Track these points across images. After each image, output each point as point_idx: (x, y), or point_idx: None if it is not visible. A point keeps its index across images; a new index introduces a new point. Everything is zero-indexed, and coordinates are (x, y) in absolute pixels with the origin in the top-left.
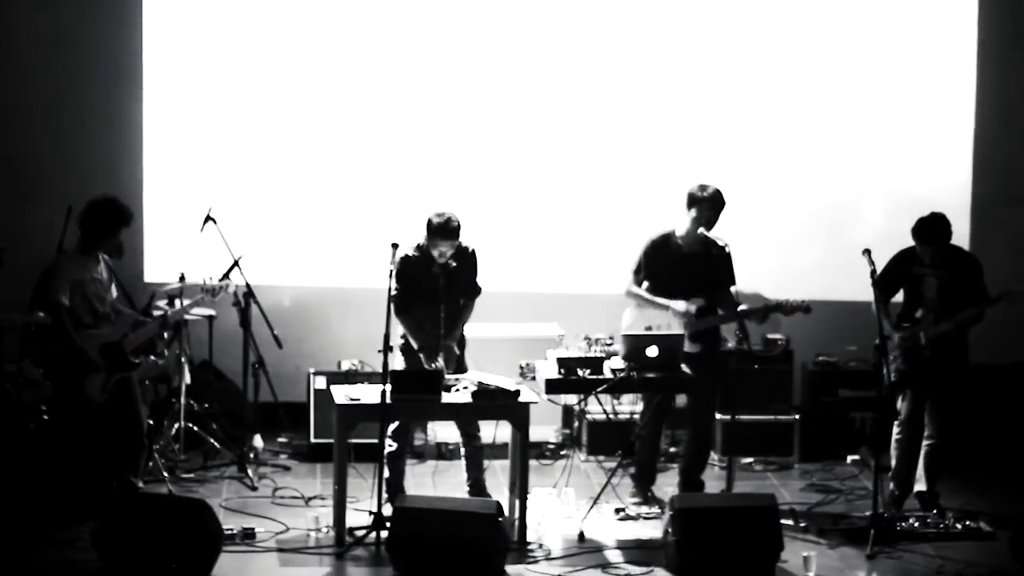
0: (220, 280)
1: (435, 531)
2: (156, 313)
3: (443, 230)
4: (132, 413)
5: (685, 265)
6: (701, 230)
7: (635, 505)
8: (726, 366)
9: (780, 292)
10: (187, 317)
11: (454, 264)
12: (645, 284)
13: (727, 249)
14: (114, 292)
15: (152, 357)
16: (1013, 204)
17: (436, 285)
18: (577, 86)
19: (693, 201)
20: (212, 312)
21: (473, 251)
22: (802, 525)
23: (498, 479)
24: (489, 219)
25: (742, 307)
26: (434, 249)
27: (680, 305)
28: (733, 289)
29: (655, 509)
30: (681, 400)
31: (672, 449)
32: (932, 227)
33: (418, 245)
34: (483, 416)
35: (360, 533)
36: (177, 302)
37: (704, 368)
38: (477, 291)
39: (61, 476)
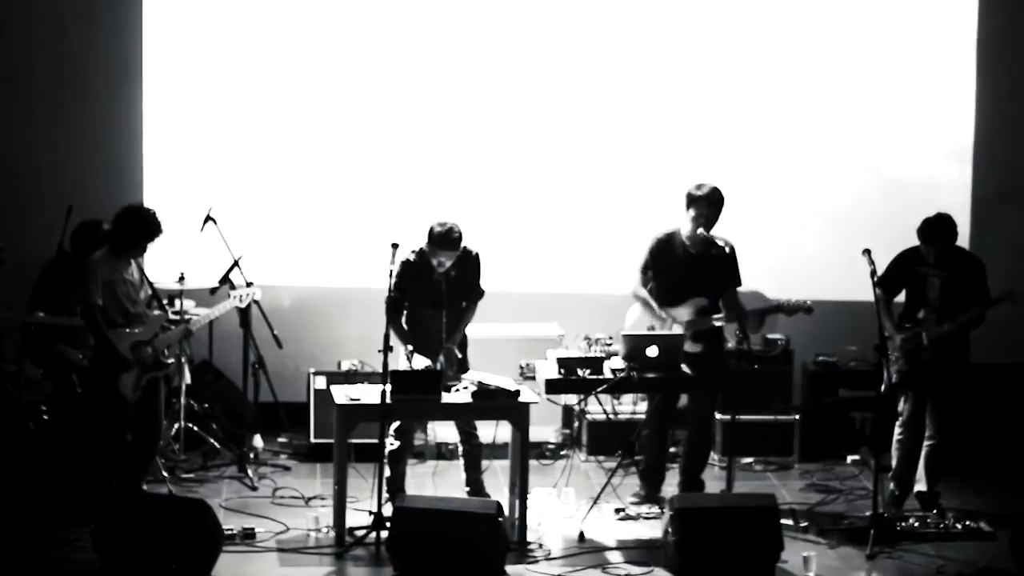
0: (220, 281)
1: (435, 531)
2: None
3: (444, 241)
4: (154, 416)
5: (688, 264)
6: (701, 230)
7: (634, 505)
8: (726, 366)
9: (781, 292)
10: (189, 316)
11: (454, 273)
12: (651, 284)
13: (727, 249)
14: (144, 293)
15: None
16: (1013, 204)
17: (439, 290)
18: (578, 87)
19: (690, 200)
20: None
21: (476, 255)
22: (802, 525)
23: (498, 479)
24: (490, 219)
25: (762, 306)
26: (434, 258)
27: (682, 315)
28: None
29: (655, 509)
30: (682, 400)
31: (672, 449)
32: (937, 227)
33: (420, 249)
34: (483, 416)
35: (360, 533)
36: (183, 303)
37: (704, 367)
38: (480, 294)
39: (61, 476)
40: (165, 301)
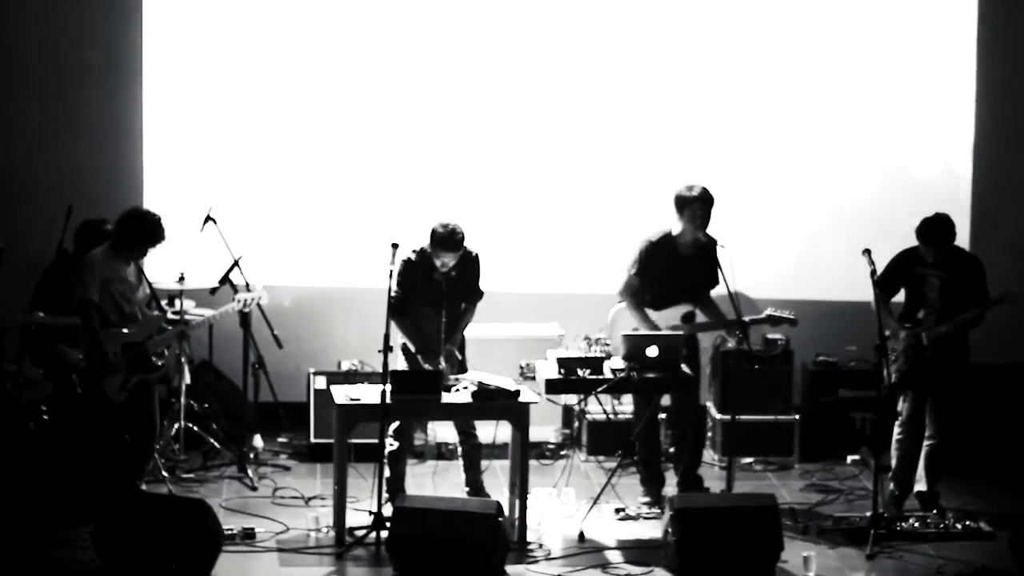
0: (220, 282)
1: (435, 531)
2: (171, 316)
3: (447, 241)
4: (148, 416)
5: (682, 266)
6: (694, 231)
7: (646, 505)
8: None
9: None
10: (187, 318)
11: (454, 273)
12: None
13: (714, 246)
14: (142, 293)
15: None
16: (1013, 204)
17: (438, 290)
18: (578, 86)
19: (682, 202)
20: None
21: (476, 256)
22: (802, 525)
23: (498, 479)
24: (489, 219)
25: (745, 317)
26: (436, 259)
27: (664, 319)
28: (724, 291)
29: (655, 509)
30: (666, 399)
31: (671, 449)
32: (936, 227)
33: (422, 249)
34: (483, 416)
35: (360, 533)
36: (183, 303)
37: (687, 364)
38: (479, 295)
39: (61, 476)
40: (164, 301)
